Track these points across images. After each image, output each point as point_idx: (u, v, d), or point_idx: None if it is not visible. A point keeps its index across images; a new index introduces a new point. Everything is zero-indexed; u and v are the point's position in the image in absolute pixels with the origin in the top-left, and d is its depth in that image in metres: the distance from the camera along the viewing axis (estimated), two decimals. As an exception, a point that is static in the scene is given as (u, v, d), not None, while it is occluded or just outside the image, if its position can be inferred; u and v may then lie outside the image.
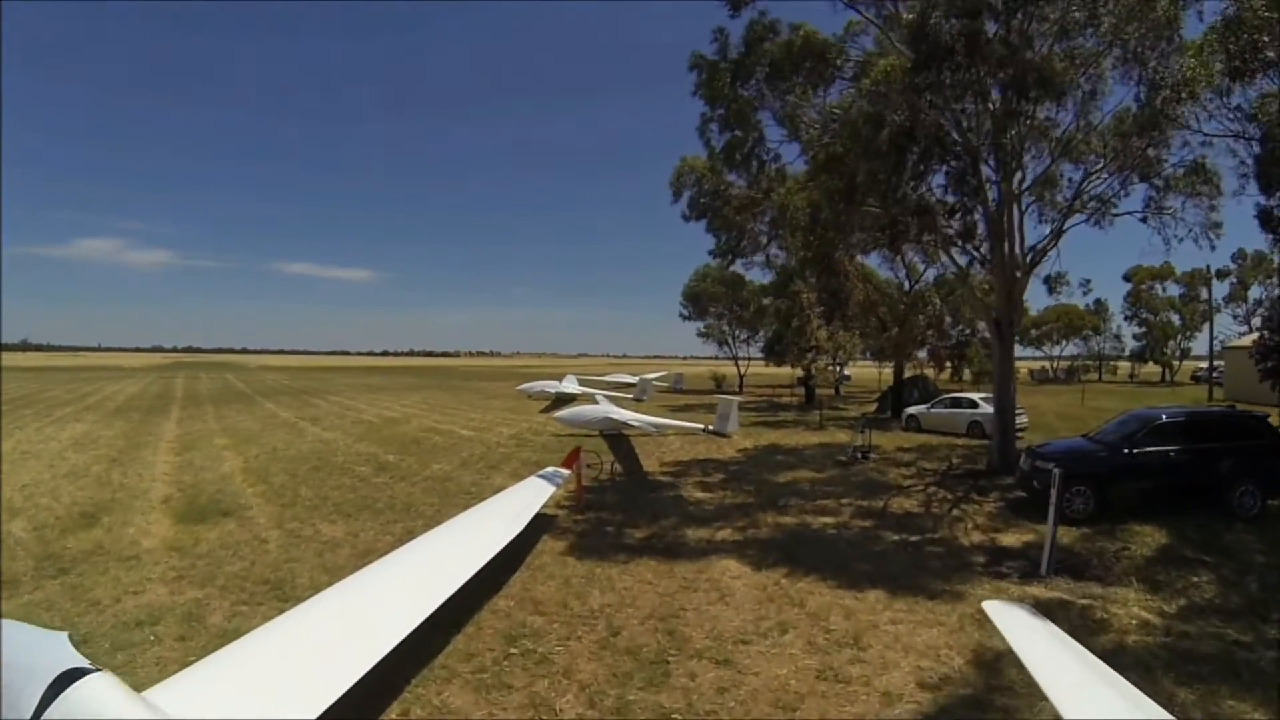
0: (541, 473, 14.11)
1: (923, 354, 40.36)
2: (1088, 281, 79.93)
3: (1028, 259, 19.06)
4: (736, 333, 62.36)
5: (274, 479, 18.33)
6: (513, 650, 7.87)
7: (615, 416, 23.84)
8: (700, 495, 16.23)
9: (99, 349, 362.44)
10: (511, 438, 26.87)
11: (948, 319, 35.16)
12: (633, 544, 12.21)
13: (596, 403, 30.42)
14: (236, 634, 6.92)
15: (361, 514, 14.60)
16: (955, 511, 14.67)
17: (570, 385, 48.71)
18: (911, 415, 30.23)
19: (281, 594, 9.70)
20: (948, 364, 38.37)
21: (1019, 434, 27.37)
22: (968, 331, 37.77)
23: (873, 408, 42.32)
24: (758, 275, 54.27)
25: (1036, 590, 9.82)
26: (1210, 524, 13.02)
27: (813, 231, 17.52)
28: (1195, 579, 10.37)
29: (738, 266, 53.14)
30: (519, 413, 38.28)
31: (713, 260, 51.86)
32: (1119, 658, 7.27)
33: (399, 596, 7.36)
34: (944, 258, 21.42)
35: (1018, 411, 28.09)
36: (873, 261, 38.25)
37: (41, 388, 57.98)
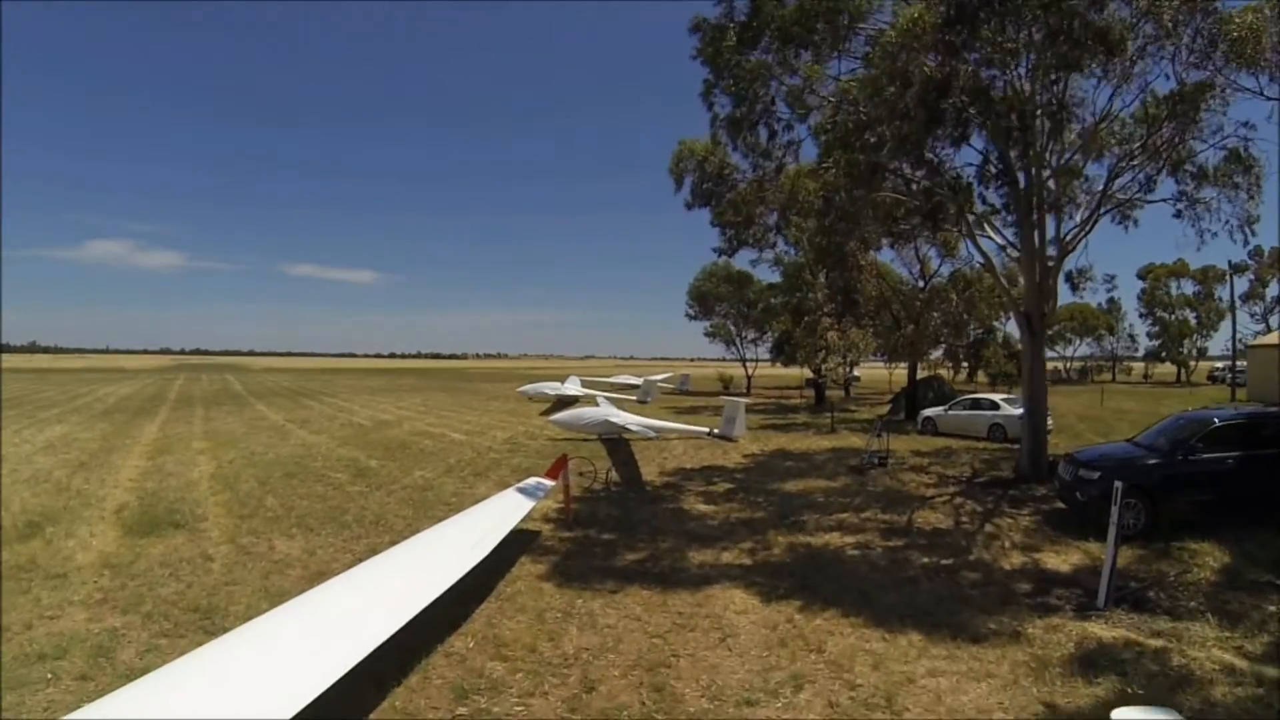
0: (523, 484, 12.61)
1: (937, 354, 38.54)
2: (1113, 277, 78.26)
3: (1065, 243, 17.46)
4: (744, 333, 60.70)
5: (241, 486, 17.06)
6: (460, 711, 6.35)
7: (615, 420, 22.32)
8: (703, 508, 14.67)
9: (107, 350, 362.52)
10: (505, 442, 25.38)
11: (966, 316, 33.37)
12: (623, 568, 10.66)
13: (597, 405, 28.98)
14: (144, 673, 5.67)
15: (325, 528, 13.24)
16: (988, 527, 13.10)
17: (573, 387, 47.30)
18: (928, 418, 28.60)
19: (210, 624, 8.40)
20: (965, 364, 36.46)
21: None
22: (983, 330, 35.95)
23: (885, 410, 40.81)
24: (765, 273, 53.02)
25: (1098, 629, 8.23)
26: (1275, 540, 11.41)
27: (826, 217, 15.93)
28: (1272, 608, 8.80)
29: (745, 264, 52.52)
30: (517, 415, 36.85)
31: (719, 258, 51.23)
32: (1212, 721, 5.69)
33: (332, 633, 6.03)
34: (967, 247, 19.80)
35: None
36: (883, 257, 36.97)
37: (36, 389, 57.14)
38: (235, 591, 9.61)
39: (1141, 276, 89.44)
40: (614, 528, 13.01)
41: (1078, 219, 18.41)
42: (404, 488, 17.07)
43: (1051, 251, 17.48)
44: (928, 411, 29.13)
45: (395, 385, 73.34)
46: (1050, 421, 26.48)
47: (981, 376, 41.79)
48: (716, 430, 25.16)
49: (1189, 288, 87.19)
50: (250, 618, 7.13)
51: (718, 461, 21.10)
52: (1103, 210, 16.87)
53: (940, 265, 34.81)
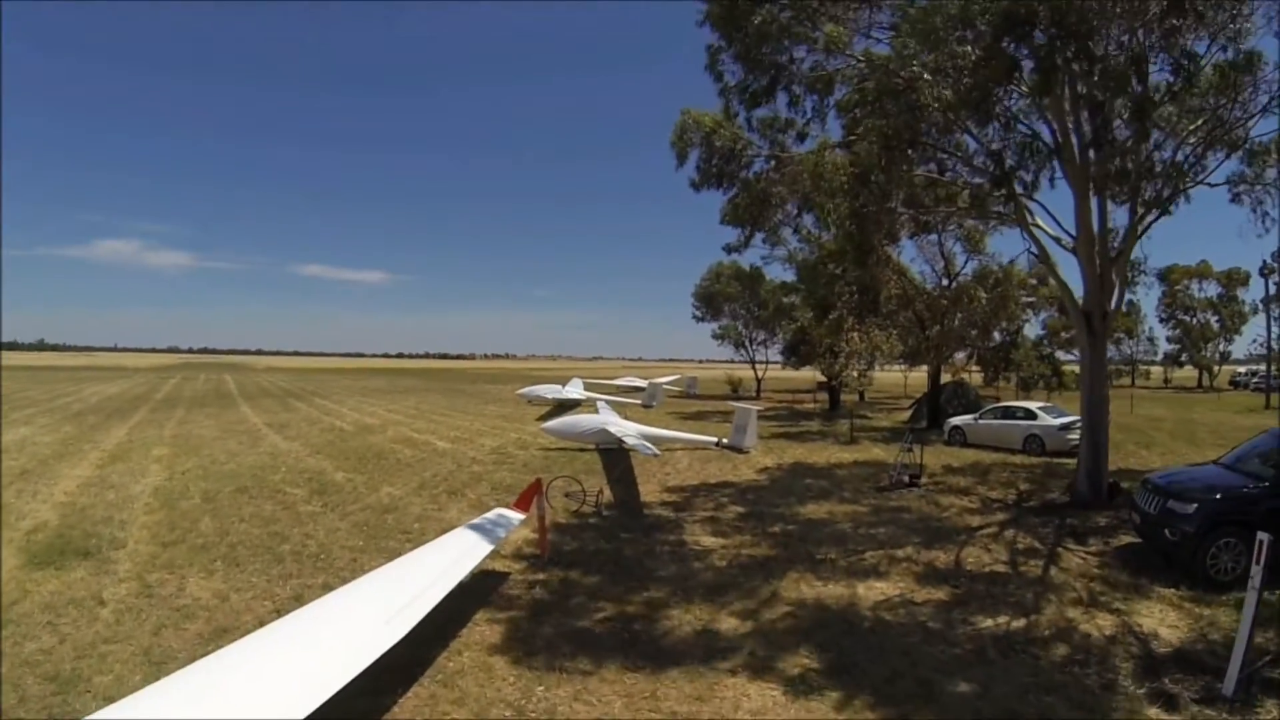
0: (483, 518, 10.26)
1: (960, 356, 35.95)
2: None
3: (1137, 227, 15.04)
4: (754, 334, 58.18)
5: (182, 504, 15.05)
6: None
7: (612, 429, 20.03)
8: (708, 541, 12.27)
9: (115, 349, 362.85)
10: (492, 452, 23.07)
11: (994, 316, 30.82)
12: (604, 634, 8.27)
13: (596, 411, 26.68)
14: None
15: (255, 561, 11.13)
16: (1054, 570, 10.71)
17: (574, 390, 45.10)
18: (956, 427, 26.10)
19: (62, 704, 6.53)
20: (993, 368, 33.87)
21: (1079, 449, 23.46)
22: (1013, 331, 33.41)
23: (905, 417, 38.35)
24: (776, 271, 50.52)
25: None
26: None
27: (857, 197, 13.50)
28: None
29: (756, 260, 50.02)
30: (513, 420, 34.56)
31: (728, 255, 48.72)
32: None
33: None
34: (996, 242, 17.30)
35: (1080, 422, 24.12)
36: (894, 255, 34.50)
37: (23, 388, 55.21)
38: (111, 654, 7.65)
39: (1162, 278, 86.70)
40: (599, 568, 10.66)
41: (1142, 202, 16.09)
42: (364, 509, 14.86)
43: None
44: (955, 420, 26.64)
45: (393, 387, 71.09)
46: (1089, 432, 24.20)
47: (1004, 383, 39.24)
48: (726, 440, 22.87)
49: (1211, 290, 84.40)
50: (114, 698, 5.57)
51: (727, 477, 18.70)
52: (1183, 188, 14.39)
53: (965, 263, 32.44)
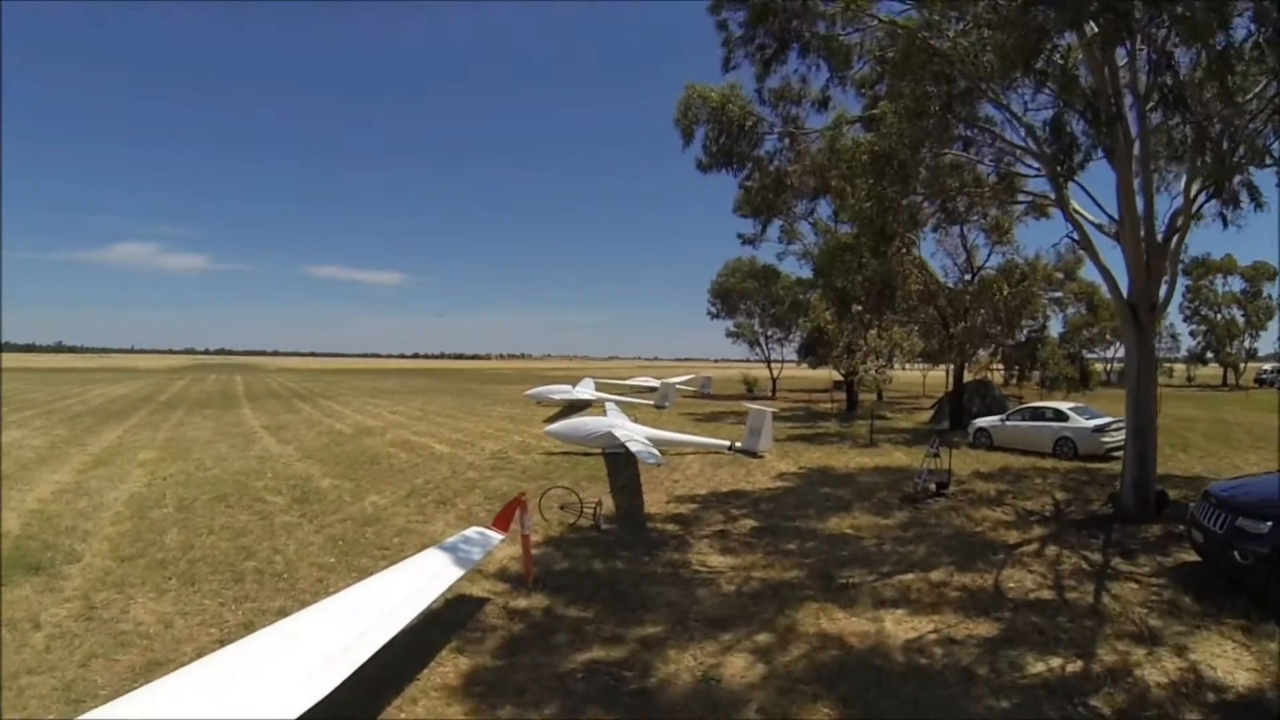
0: (458, 538, 9.09)
1: (983, 355, 34.35)
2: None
3: (1191, 209, 13.64)
4: (769, 332, 56.77)
5: (153, 513, 14.13)
6: None
7: (618, 433, 18.80)
8: (716, 561, 10.95)
9: (132, 350, 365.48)
10: (492, 456, 21.91)
11: (1020, 311, 29.30)
12: (587, 680, 7.02)
13: (604, 413, 25.45)
14: None
15: (212, 581, 10.09)
16: (1105, 597, 9.39)
17: (585, 391, 43.91)
18: (981, 429, 24.68)
19: None
20: (1017, 366, 32.26)
21: (1116, 452, 22.04)
22: (1039, 327, 31.86)
23: (927, 417, 36.94)
24: (793, 267, 49.17)
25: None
26: None
27: (881, 178, 12.17)
28: None
29: (772, 256, 48.77)
30: (519, 422, 33.40)
31: (742, 246, 47.35)
32: None
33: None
34: (1021, 234, 15.86)
35: (1116, 424, 22.71)
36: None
37: (28, 389, 54.77)
38: (30, 688, 6.84)
39: (1186, 273, 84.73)
40: (590, 594, 9.40)
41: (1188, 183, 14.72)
42: (343, 520, 13.77)
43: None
44: (981, 422, 25.23)
45: (403, 387, 70.15)
46: (1123, 434, 22.67)
47: (1026, 384, 37.68)
48: (739, 444, 21.62)
49: (1236, 285, 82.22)
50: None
51: (739, 484, 17.42)
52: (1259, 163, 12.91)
53: (989, 255, 30.97)
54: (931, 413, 35.74)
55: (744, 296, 53.52)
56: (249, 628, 7.82)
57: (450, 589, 8.20)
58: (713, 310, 56.68)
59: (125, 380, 75.75)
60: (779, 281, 50.18)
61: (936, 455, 16.29)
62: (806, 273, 45.13)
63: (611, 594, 9.36)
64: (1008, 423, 24.12)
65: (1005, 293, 27.12)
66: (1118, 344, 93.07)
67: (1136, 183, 13.44)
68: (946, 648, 7.65)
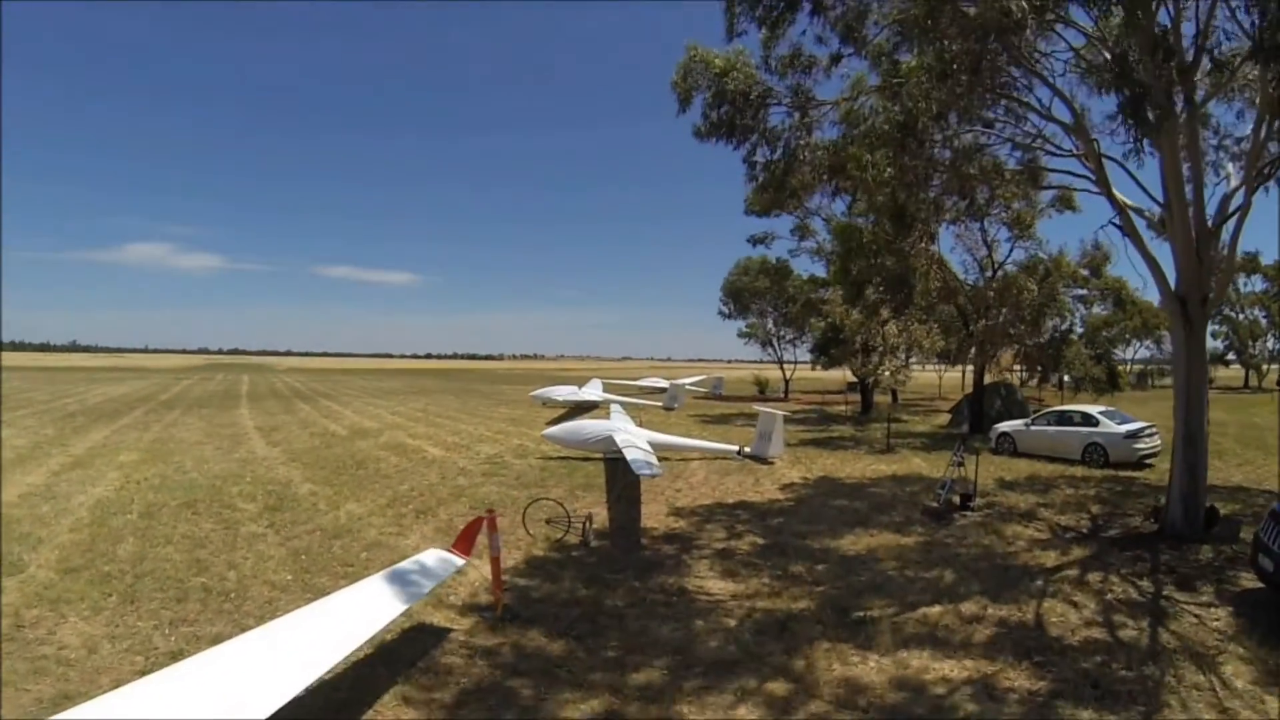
0: (418, 559, 7.91)
1: (1006, 355, 32.83)
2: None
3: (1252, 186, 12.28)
4: (782, 332, 55.36)
5: (114, 520, 13.24)
6: None
7: (618, 437, 17.61)
8: (717, 588, 9.66)
9: (145, 350, 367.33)
10: (486, 461, 20.72)
11: (1045, 309, 27.84)
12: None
13: (609, 415, 24.22)
14: None
15: (154, 599, 9.17)
16: (1164, 634, 8.10)
17: (592, 392, 42.75)
18: (1004, 434, 23.27)
19: None
20: (1041, 367, 30.72)
21: (1149, 459, 20.68)
22: (1064, 327, 30.41)
23: (941, 420, 35.56)
24: (805, 266, 47.80)
25: None
26: None
27: (903, 149, 10.88)
28: None
29: (784, 253, 47.35)
30: (520, 424, 32.19)
31: (754, 248, 46.19)
32: None
33: None
34: (1044, 227, 14.49)
35: (1149, 430, 21.38)
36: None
37: (29, 388, 54.19)
38: None
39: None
40: (568, 628, 8.16)
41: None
42: (313, 531, 12.71)
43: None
44: (1004, 426, 23.84)
45: (409, 388, 69.19)
46: (1158, 440, 21.33)
47: (1046, 387, 36.16)
48: (748, 449, 20.39)
49: (1257, 284, 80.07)
50: None
51: (746, 494, 16.11)
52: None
53: (1010, 251, 29.53)
54: (950, 416, 34.38)
55: (756, 296, 52.07)
56: (176, 657, 6.86)
57: (410, 618, 7.17)
58: (725, 310, 55.32)
59: (130, 380, 75.06)
60: (791, 280, 48.75)
61: (961, 465, 15.01)
62: (820, 270, 43.98)
63: (594, 628, 8.12)
64: (1033, 427, 22.73)
65: (1030, 290, 25.66)
66: (1137, 344, 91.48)
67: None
68: (984, 703, 6.38)
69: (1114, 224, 13.23)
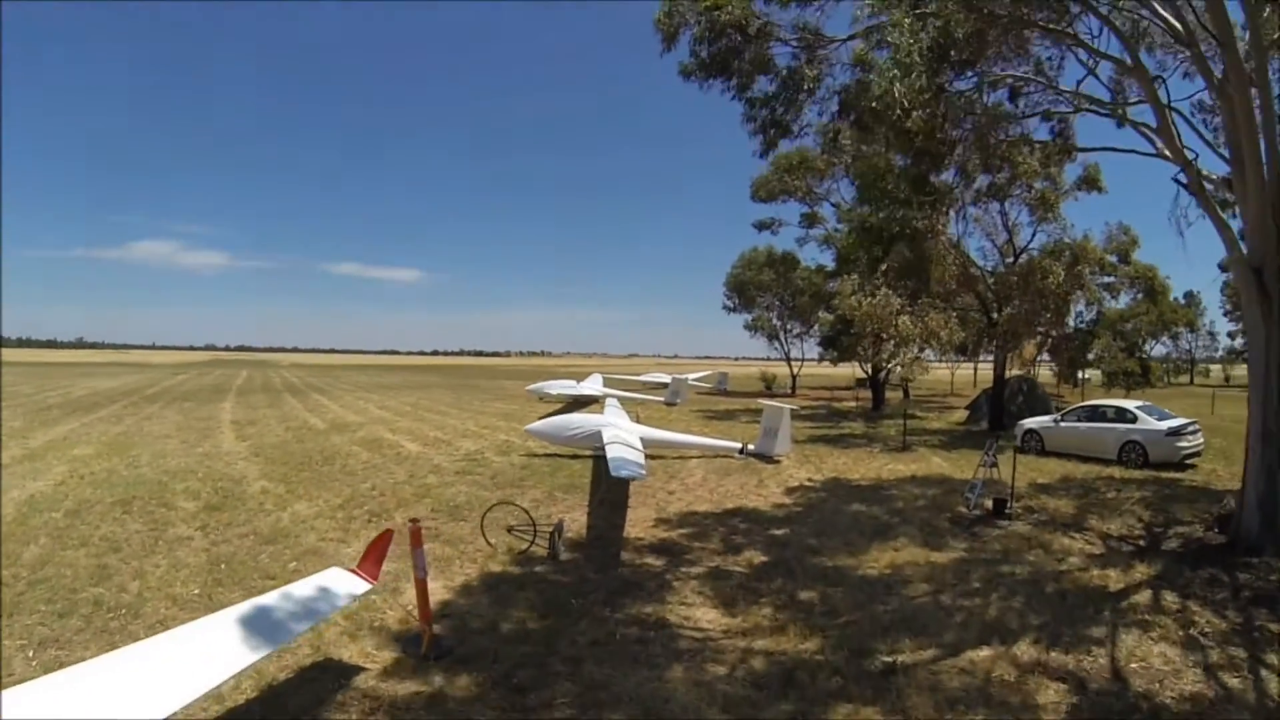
0: (313, 581, 6.17)
1: (1027, 346, 30.74)
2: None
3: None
4: (788, 325, 53.30)
5: (37, 518, 11.90)
6: None
7: (607, 432, 15.81)
8: (707, 621, 7.73)
9: (153, 347, 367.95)
10: (465, 457, 18.93)
11: (1071, 297, 25.80)
12: None
13: (604, 410, 22.36)
14: None
15: (36, 612, 7.85)
16: (1266, 674, 6.30)
17: (592, 386, 40.93)
18: (1031, 431, 21.31)
19: None
20: (1068, 360, 28.66)
21: (1192, 459, 18.81)
22: (1092, 317, 28.35)
23: (958, 417, 33.66)
24: (813, 254, 45.83)
25: None
26: None
27: (934, 74, 8.99)
28: None
29: (791, 244, 45.12)
30: (512, 419, 30.37)
31: (759, 235, 44.17)
32: None
33: None
34: (1070, 208, 12.55)
35: (1192, 426, 19.50)
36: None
37: (16, 382, 52.69)
38: None
39: (1224, 268, 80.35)
40: (509, 671, 6.35)
41: None
42: (246, 534, 11.20)
43: None
44: (1031, 423, 21.92)
45: (407, 382, 67.48)
46: (1201, 438, 19.47)
47: (1094, 376, 34.07)
48: (752, 446, 18.56)
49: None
50: None
51: (748, 499, 14.19)
52: None
53: (1033, 235, 27.51)
54: (967, 412, 32.46)
55: (761, 289, 50.00)
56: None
57: (319, 650, 5.59)
58: (729, 304, 53.24)
59: (126, 374, 73.74)
60: (797, 271, 46.61)
61: (994, 465, 13.14)
62: (828, 260, 42.05)
63: (542, 674, 6.28)
64: (1063, 424, 20.83)
65: (1057, 274, 23.62)
66: (1152, 343, 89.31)
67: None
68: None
69: (1178, 181, 11.33)
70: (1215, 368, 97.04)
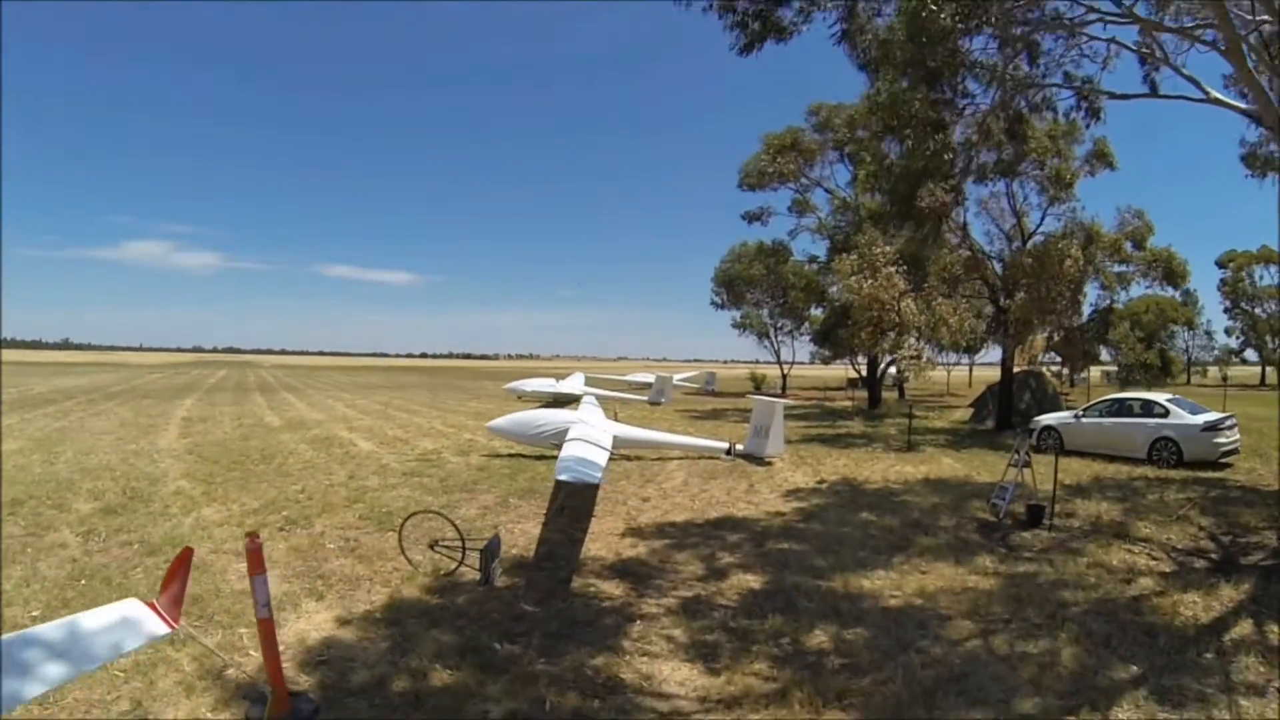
0: (111, 615, 4.13)
1: (1038, 338, 28.66)
2: (1228, 257, 68.01)
3: None
4: (779, 323, 51.05)
5: None
6: None
7: (574, 430, 13.77)
8: (677, 680, 5.52)
9: (140, 349, 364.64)
10: (420, 458, 16.86)
11: (1086, 281, 23.81)
12: None
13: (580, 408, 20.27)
14: None
15: None
16: None
17: (573, 385, 38.97)
18: (1049, 428, 19.28)
19: None
20: (1082, 352, 26.53)
21: (1229, 457, 16.91)
22: (1106, 308, 26.30)
23: (958, 415, 31.77)
24: (806, 244, 43.69)
25: None
26: None
27: None
28: None
29: (782, 234, 42.65)
30: (485, 418, 27.84)
31: (749, 227, 41.95)
32: None
33: None
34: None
35: (1229, 421, 17.62)
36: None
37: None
38: None
39: (1221, 265, 78.78)
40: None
41: None
42: (132, 543, 9.27)
43: None
44: (1048, 419, 19.95)
45: (388, 382, 65.32)
46: (1238, 435, 17.60)
47: (1106, 368, 32.06)
48: (740, 446, 16.58)
49: (1270, 277, 76.30)
50: None
51: (735, 507, 12.04)
52: None
53: (1042, 219, 25.54)
54: (971, 410, 30.51)
55: (751, 284, 47.45)
56: None
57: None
58: (717, 300, 50.66)
59: (100, 374, 71.24)
60: (789, 265, 43.94)
61: (1027, 465, 11.10)
62: (820, 250, 39.99)
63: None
64: (1085, 419, 18.87)
65: (1074, 257, 21.57)
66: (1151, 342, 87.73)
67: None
68: None
69: (1249, 115, 9.35)
70: (1213, 369, 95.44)
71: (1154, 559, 8.87)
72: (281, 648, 5.80)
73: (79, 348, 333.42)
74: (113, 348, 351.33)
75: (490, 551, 7.28)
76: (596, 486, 7.97)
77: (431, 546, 8.00)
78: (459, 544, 7.74)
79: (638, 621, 6.64)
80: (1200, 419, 17.04)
